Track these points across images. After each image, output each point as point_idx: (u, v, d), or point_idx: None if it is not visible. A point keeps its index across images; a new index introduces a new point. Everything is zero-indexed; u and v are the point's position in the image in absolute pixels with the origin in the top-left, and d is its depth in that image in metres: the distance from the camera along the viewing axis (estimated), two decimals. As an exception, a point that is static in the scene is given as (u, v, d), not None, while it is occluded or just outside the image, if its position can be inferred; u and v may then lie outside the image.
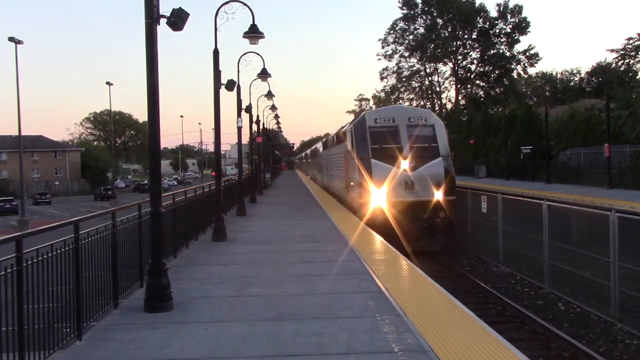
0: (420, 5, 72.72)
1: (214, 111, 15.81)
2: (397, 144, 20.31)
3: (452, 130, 53.38)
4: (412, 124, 20.79)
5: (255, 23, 15.44)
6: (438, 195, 19.85)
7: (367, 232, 15.67)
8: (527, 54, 71.19)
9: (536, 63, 72.65)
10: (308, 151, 75.76)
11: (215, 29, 15.15)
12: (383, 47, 75.17)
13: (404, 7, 72.99)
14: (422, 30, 73.66)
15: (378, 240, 14.21)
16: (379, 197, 19.73)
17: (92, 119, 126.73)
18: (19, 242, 5.51)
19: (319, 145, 48.51)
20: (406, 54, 74.84)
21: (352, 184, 21.80)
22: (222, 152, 65.73)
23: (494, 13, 71.03)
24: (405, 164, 19.86)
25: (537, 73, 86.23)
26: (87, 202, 76.04)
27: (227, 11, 15.01)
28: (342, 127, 29.20)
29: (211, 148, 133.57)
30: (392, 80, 76.44)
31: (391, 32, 74.65)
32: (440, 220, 19.97)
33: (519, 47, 71.24)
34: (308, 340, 6.51)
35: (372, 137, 20.55)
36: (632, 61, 61.61)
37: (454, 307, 7.79)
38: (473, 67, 74.19)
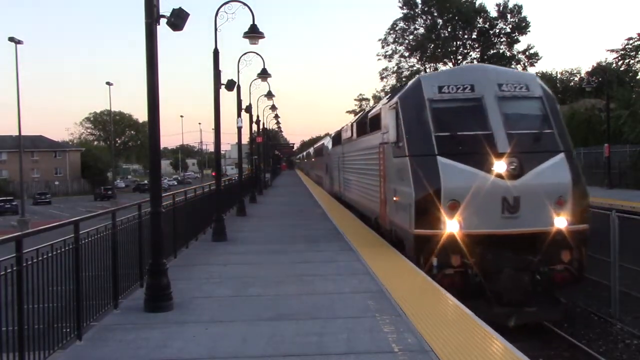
0: (420, 5, 72.67)
1: (214, 111, 15.83)
2: (483, 129, 11.34)
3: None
4: (506, 94, 11.82)
5: (255, 23, 15.47)
6: (560, 222, 10.89)
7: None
8: (527, 53, 71.14)
9: (536, 62, 72.49)
10: (311, 149, 72.09)
11: (215, 29, 15.17)
12: (383, 47, 75.08)
13: (404, 7, 72.91)
14: (422, 30, 73.59)
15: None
16: (450, 224, 10.74)
17: (92, 119, 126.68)
18: (19, 242, 5.51)
19: (327, 141, 38.21)
20: (406, 54, 74.77)
21: (395, 198, 12.80)
22: (222, 152, 65.79)
23: (493, 13, 71.03)
24: (500, 165, 10.87)
25: (537, 73, 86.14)
26: (87, 202, 76.00)
27: (227, 11, 15.05)
28: (373, 107, 20.62)
29: (211, 148, 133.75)
30: (392, 80, 76.37)
31: (391, 32, 74.58)
32: (564, 268, 10.97)
33: (518, 47, 71.27)
34: (308, 340, 6.51)
35: (436, 118, 11.64)
36: (632, 61, 61.60)
37: (454, 307, 7.79)
38: (473, 67, 74.16)
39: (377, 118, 15.62)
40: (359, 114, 24.09)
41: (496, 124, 11.39)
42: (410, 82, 13.75)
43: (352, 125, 22.39)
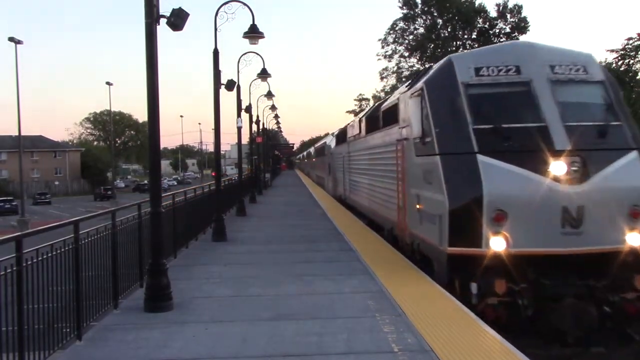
0: (420, 5, 72.75)
1: (214, 111, 15.83)
2: (534, 120, 9.13)
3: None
4: (560, 77, 9.59)
5: (255, 23, 15.48)
6: (634, 239, 8.65)
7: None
8: (527, 53, 71.13)
9: (536, 63, 72.54)
10: (312, 149, 71.40)
11: (215, 29, 15.19)
12: (383, 47, 75.10)
13: (404, 7, 72.98)
14: (422, 30, 73.69)
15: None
16: (495, 241, 8.47)
17: (92, 119, 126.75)
18: (19, 242, 5.52)
19: (329, 140, 36.08)
20: (406, 54, 74.84)
21: (418, 206, 10.53)
22: (222, 152, 65.76)
23: (493, 13, 71.07)
24: (558, 166, 8.61)
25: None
26: (86, 202, 76.00)
27: (227, 11, 15.07)
28: (386, 98, 17.56)
29: (211, 148, 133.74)
30: (392, 80, 76.38)
31: (391, 32, 74.62)
32: (638, 296, 8.58)
33: (518, 47, 71.20)
34: (308, 340, 6.52)
35: (474, 107, 9.35)
36: (632, 61, 61.63)
37: (454, 307, 7.79)
38: (473, 67, 74.07)
39: (393, 110, 13.16)
40: (369, 108, 21.65)
41: (551, 114, 9.06)
42: (438, 64, 11.07)
43: (360, 120, 19.62)
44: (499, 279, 8.31)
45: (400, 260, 11.28)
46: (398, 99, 12.73)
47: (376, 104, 18.74)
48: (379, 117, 15.40)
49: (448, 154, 9.34)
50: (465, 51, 11.73)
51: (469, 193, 8.75)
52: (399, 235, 12.53)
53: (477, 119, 9.19)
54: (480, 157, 8.83)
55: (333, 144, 31.66)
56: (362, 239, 14.15)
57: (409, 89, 11.76)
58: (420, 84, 10.72)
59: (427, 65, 65.75)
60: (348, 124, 24.69)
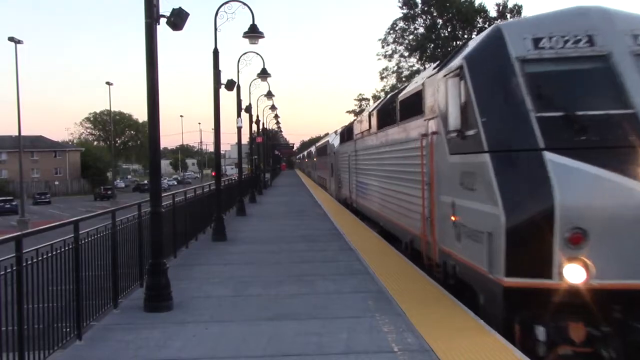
0: (420, 5, 72.80)
1: (214, 111, 15.84)
2: (618, 106, 6.75)
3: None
4: None
5: (255, 23, 15.50)
6: None
7: None
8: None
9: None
10: (312, 148, 70.65)
11: (215, 29, 15.22)
12: (383, 47, 75.16)
13: (404, 7, 73.05)
14: (422, 30, 73.75)
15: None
16: (571, 270, 6.19)
17: (92, 119, 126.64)
18: (19, 242, 5.52)
19: (332, 138, 33.43)
20: (406, 54, 74.90)
21: (454, 218, 8.25)
22: (222, 152, 65.75)
23: (493, 13, 71.10)
24: None
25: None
26: (86, 202, 75.99)
27: (227, 11, 15.12)
28: (403, 87, 15.18)
29: (211, 148, 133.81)
30: (392, 80, 76.42)
31: (391, 32, 74.69)
32: None
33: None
34: (308, 340, 6.51)
35: (535, 89, 6.99)
36: (632, 61, 61.62)
37: (454, 306, 7.78)
38: (473, 67, 74.07)
39: (416, 98, 10.79)
40: (381, 100, 19.31)
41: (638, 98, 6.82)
42: (482, 34, 8.62)
43: (370, 114, 17.15)
44: (576, 322, 6.34)
45: (400, 259, 11.27)
46: (423, 84, 10.29)
47: (390, 94, 16.16)
48: (396, 108, 12.96)
49: (501, 151, 7.04)
50: (518, 18, 8.38)
51: (535, 204, 6.49)
52: (422, 250, 10.35)
53: (540, 104, 6.93)
54: (549, 155, 6.59)
55: (336, 142, 29.13)
56: (361, 240, 14.15)
57: (439, 70, 9.32)
58: (458, 61, 8.22)
59: (426, 65, 65.74)
60: (355, 120, 22.26)
